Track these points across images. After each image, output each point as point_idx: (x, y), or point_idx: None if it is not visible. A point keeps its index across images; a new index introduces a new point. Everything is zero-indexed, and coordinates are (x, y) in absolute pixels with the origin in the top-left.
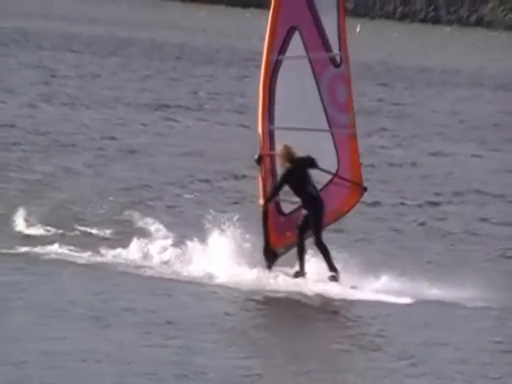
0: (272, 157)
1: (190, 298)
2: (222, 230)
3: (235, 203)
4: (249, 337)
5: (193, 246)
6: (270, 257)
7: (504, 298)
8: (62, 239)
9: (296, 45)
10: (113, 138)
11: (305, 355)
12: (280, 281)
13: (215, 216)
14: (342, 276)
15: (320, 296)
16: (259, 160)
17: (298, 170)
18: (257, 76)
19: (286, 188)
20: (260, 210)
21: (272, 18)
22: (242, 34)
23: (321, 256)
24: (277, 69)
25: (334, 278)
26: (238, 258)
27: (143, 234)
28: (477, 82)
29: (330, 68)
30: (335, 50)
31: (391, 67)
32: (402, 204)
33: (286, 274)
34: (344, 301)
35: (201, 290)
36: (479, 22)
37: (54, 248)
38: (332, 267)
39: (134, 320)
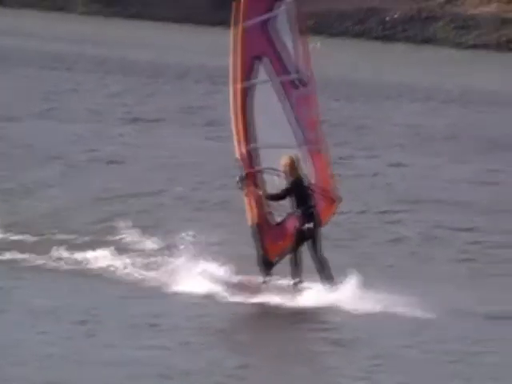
0: (255, 174)
1: (170, 302)
2: (196, 237)
3: (207, 210)
4: (231, 338)
5: (170, 252)
6: (267, 268)
7: (459, 301)
8: (35, 247)
9: (262, 71)
10: (91, 150)
11: (286, 356)
12: (262, 286)
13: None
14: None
15: (299, 302)
16: (243, 180)
17: (302, 182)
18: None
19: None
20: (250, 228)
21: (235, 51)
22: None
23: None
24: (247, 95)
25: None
26: (218, 264)
27: (120, 242)
28: (431, 97)
29: (293, 90)
30: (295, 71)
31: (350, 82)
32: (364, 212)
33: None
34: (319, 307)
35: (182, 295)
36: (430, 40)
37: (27, 255)
38: (329, 278)
39: (118, 323)
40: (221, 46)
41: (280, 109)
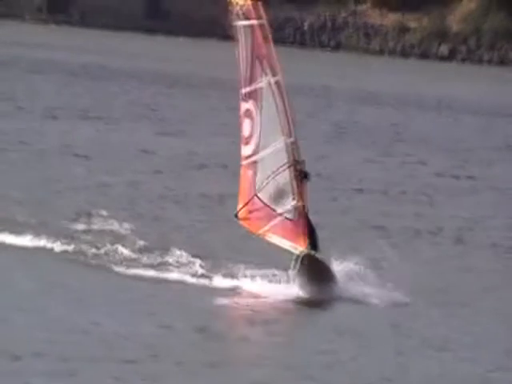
0: None
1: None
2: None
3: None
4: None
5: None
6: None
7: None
8: None
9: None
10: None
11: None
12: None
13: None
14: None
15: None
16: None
17: None
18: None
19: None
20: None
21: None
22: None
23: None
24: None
25: None
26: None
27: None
28: (357, 97)
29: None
30: (244, 86)
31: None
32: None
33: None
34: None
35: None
36: (340, 46)
37: None
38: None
39: (112, 307)
40: (151, 51)
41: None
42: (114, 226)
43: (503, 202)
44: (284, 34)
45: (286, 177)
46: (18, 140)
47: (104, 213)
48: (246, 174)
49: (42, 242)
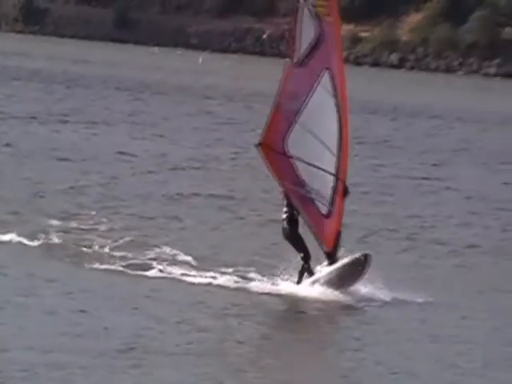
0: None
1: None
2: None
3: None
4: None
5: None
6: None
7: None
8: None
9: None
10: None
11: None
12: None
13: None
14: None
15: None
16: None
17: None
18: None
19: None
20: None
21: None
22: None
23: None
24: None
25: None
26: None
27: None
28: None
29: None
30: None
31: (231, 89)
32: (245, 199)
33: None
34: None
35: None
36: (280, 54)
37: None
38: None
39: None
40: (118, 60)
41: None
42: (98, 224)
43: (459, 202)
44: (245, 43)
45: (329, 181)
46: (1, 143)
47: (86, 211)
48: (281, 119)
49: (26, 240)
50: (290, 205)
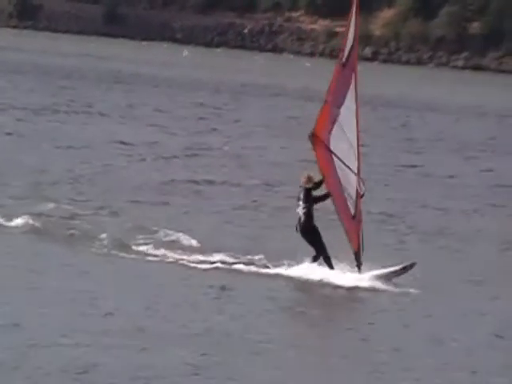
0: None
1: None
2: None
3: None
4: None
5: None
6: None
7: None
8: None
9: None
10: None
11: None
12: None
13: None
14: None
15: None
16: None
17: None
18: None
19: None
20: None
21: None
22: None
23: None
24: None
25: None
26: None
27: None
28: (279, 94)
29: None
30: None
31: (214, 82)
32: (238, 185)
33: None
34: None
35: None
36: (276, 49)
37: None
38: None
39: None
40: (109, 53)
41: None
42: (97, 209)
43: (434, 188)
44: (227, 38)
45: (353, 181)
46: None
47: (84, 198)
48: (328, 115)
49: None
50: (308, 201)
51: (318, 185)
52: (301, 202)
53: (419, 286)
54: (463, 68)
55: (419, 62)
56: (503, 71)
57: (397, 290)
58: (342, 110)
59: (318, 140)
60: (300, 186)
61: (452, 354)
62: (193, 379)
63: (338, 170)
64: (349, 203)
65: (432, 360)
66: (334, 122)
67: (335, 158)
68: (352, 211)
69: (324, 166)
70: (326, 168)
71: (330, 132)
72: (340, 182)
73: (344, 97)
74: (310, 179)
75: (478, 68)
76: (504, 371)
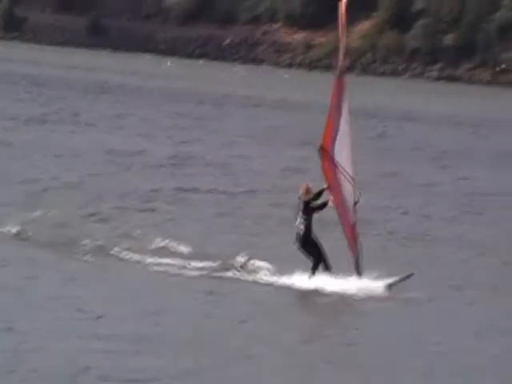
0: None
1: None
2: None
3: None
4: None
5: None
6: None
7: None
8: None
9: None
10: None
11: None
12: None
13: None
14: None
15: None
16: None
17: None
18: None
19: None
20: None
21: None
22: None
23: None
24: None
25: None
26: None
27: None
28: (259, 104)
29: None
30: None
31: (197, 93)
32: (223, 193)
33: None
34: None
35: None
36: (255, 60)
37: None
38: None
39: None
40: (95, 64)
41: None
42: (87, 217)
43: (413, 196)
44: (207, 49)
45: (351, 190)
46: None
47: (74, 205)
48: (331, 126)
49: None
50: (307, 213)
51: (317, 196)
52: (300, 214)
53: (402, 291)
54: (437, 79)
55: (394, 73)
56: (475, 82)
57: (380, 295)
58: (342, 119)
59: (326, 153)
60: (299, 198)
61: (435, 357)
62: (184, 383)
63: (340, 180)
64: (349, 212)
65: (416, 363)
66: (337, 132)
67: (340, 169)
68: (352, 220)
69: (330, 178)
70: (333, 180)
71: (334, 141)
72: (343, 193)
73: (342, 106)
74: (308, 190)
75: (451, 79)
76: (485, 373)
